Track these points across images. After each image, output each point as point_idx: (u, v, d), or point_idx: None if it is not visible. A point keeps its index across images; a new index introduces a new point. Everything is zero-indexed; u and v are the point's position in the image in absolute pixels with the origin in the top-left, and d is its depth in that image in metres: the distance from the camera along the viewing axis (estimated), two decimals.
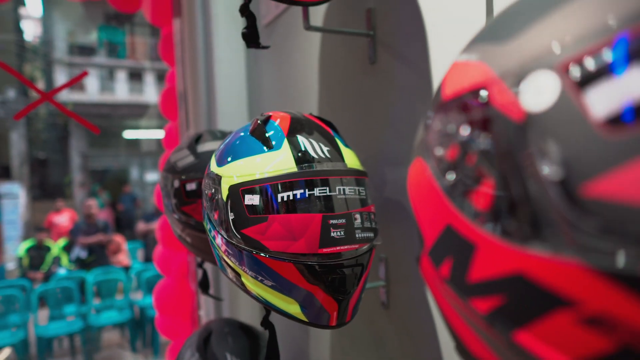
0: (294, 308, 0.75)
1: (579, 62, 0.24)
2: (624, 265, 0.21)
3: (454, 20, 0.80)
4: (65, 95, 9.97)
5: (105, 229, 6.56)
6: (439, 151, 0.32)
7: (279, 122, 0.81)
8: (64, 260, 6.93)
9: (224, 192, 0.77)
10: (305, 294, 0.74)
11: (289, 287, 0.74)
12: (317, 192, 0.73)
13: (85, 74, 1.51)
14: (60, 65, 10.18)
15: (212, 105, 1.73)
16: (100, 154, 12.35)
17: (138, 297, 5.68)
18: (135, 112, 11.01)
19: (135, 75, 10.97)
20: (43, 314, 5.19)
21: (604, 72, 0.23)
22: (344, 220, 0.74)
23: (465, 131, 0.29)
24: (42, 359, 4.73)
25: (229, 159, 0.81)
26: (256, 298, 0.79)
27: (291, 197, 0.72)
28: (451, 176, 0.31)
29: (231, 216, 0.76)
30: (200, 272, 1.31)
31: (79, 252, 6.54)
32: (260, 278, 0.76)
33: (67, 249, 7.08)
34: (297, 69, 1.39)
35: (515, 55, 0.27)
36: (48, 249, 6.83)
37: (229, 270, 0.83)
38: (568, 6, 0.26)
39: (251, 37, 0.85)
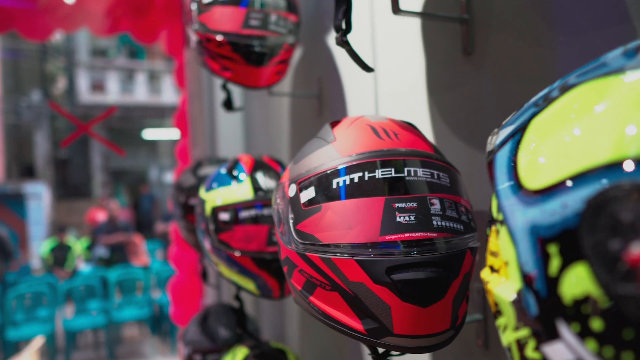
0: (251, 286, 1.23)
1: (302, 183, 0.71)
2: (305, 251, 0.68)
3: (361, 91, 1.27)
4: (87, 97, 10.75)
5: (126, 229, 7.20)
6: (274, 203, 0.80)
7: (244, 164, 1.29)
8: (86, 257, 7.61)
9: (208, 211, 1.26)
10: (258, 277, 1.22)
11: (248, 273, 1.22)
12: (265, 212, 1.21)
13: (113, 109, 2.01)
14: (82, 68, 10.98)
15: (214, 131, 2.23)
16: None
17: (157, 295, 6.30)
18: (153, 114, 11.74)
19: (154, 78, 11.71)
20: (68, 310, 5.84)
21: (308, 185, 0.70)
22: None
23: (279, 198, 0.77)
24: (69, 351, 5.35)
25: (214, 185, 1.30)
26: (228, 279, 1.28)
27: (248, 215, 1.21)
28: (276, 217, 0.79)
29: (212, 227, 1.24)
30: (201, 266, 1.81)
31: (101, 251, 7.21)
32: (230, 266, 1.24)
33: (90, 248, 7.78)
34: (274, 114, 1.88)
35: (294, 172, 0.75)
36: (69, 248, 7.51)
37: (212, 262, 1.31)
38: (312, 155, 0.73)
39: (228, 106, 1.34)
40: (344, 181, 0.67)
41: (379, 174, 0.66)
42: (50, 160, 10.39)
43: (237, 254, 1.20)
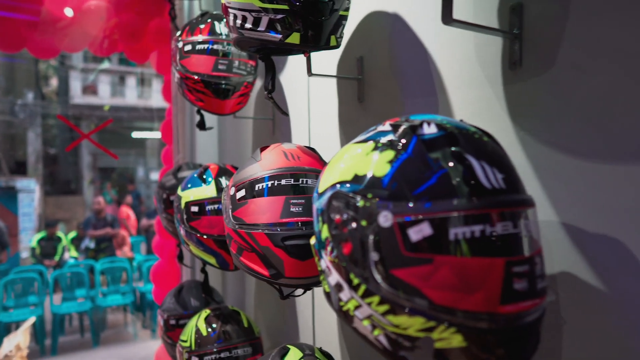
0: (213, 260, 1.60)
1: (238, 186, 1.09)
2: (237, 228, 1.06)
3: (299, 117, 1.65)
4: (80, 99, 10.97)
5: (112, 223, 7.47)
6: (223, 199, 1.17)
7: (211, 170, 1.66)
8: (72, 251, 7.86)
9: (183, 205, 1.62)
10: (218, 254, 1.59)
11: (211, 251, 1.59)
12: None
13: (110, 120, 2.35)
14: (75, 71, 11.20)
15: (193, 141, 2.59)
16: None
17: (140, 285, 6.61)
18: (142, 116, 11.99)
19: (144, 82, 11.99)
20: (56, 297, 6.09)
21: (241, 188, 1.08)
22: None
23: (225, 195, 1.15)
24: (56, 334, 5.59)
25: (188, 186, 1.67)
26: (197, 256, 1.64)
27: (212, 208, 1.58)
28: (223, 207, 1.16)
29: (185, 216, 1.61)
30: (177, 250, 2.17)
31: (88, 243, 7.49)
32: (198, 246, 1.61)
33: (76, 240, 8.02)
34: (240, 131, 2.26)
35: (235, 179, 1.12)
36: (59, 239, 7.74)
37: (185, 244, 1.68)
38: (246, 168, 1.11)
39: (201, 126, 1.71)
40: (263, 186, 1.05)
41: (283, 182, 1.04)
42: (41, 157, 10.56)
43: (203, 237, 1.57)
